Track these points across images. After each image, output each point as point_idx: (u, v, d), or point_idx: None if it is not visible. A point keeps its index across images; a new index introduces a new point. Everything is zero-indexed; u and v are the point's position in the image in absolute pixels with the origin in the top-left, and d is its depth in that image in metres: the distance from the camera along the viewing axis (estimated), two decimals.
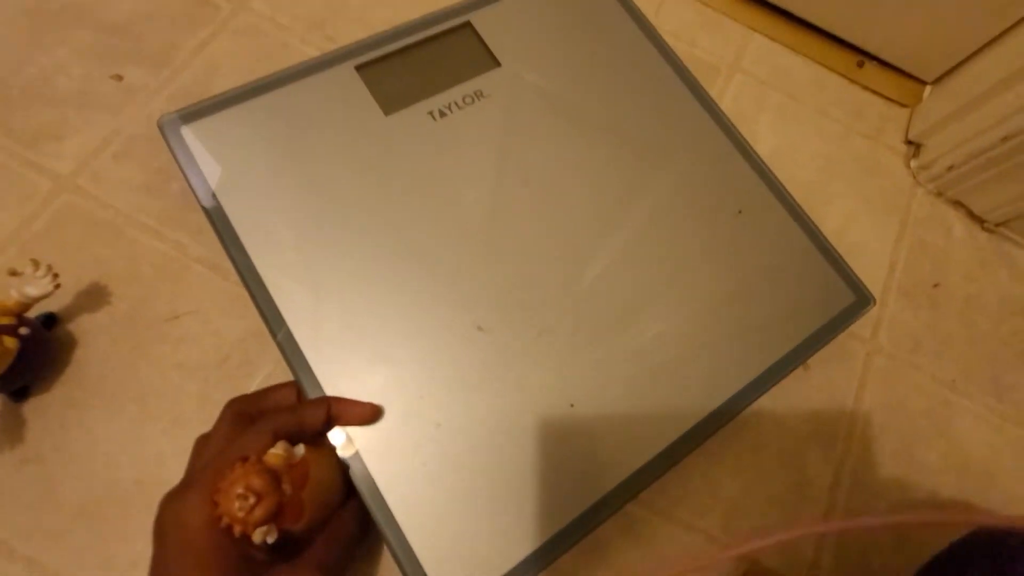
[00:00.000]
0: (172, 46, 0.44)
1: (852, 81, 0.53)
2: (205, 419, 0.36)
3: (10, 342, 0.31)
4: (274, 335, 0.32)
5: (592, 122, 0.42)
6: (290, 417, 0.28)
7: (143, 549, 0.33)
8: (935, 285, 0.48)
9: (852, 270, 0.41)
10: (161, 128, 0.35)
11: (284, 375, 0.37)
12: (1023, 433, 0.44)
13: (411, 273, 0.35)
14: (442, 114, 0.39)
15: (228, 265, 0.36)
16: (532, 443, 0.33)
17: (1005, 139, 0.43)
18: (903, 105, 0.53)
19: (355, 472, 0.30)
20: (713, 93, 0.49)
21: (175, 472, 0.35)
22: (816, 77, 0.53)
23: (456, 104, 0.40)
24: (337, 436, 0.30)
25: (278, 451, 0.26)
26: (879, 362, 0.45)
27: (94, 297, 0.37)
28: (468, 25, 0.42)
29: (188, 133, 0.35)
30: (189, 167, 0.34)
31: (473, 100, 0.40)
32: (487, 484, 0.32)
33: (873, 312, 0.46)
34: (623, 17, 0.46)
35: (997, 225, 0.49)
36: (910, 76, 0.53)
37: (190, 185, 0.34)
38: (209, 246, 0.39)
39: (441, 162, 0.38)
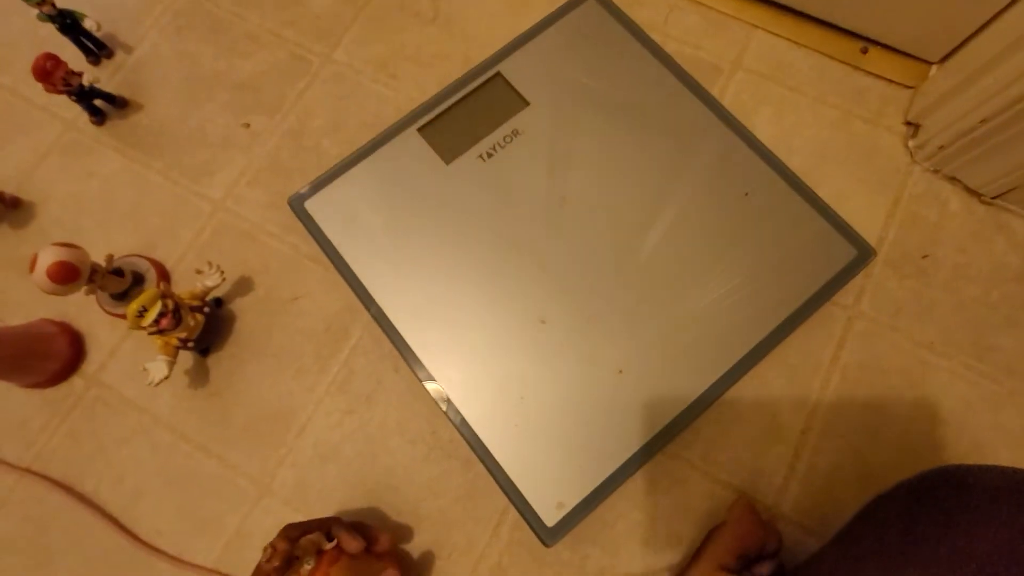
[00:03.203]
0: (281, 96, 0.59)
1: (855, 67, 0.57)
2: (319, 368, 0.51)
3: (200, 317, 0.48)
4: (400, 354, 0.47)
5: (613, 138, 0.51)
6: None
7: (285, 454, 0.49)
8: (924, 256, 0.52)
9: (853, 228, 0.49)
10: (290, 204, 0.51)
11: (372, 338, 0.52)
12: (998, 388, 0.48)
13: (485, 283, 0.47)
14: (489, 155, 0.51)
15: (327, 259, 0.50)
16: (593, 403, 0.45)
17: (984, 121, 0.47)
18: (908, 87, 0.56)
19: (467, 434, 0.44)
20: (715, 91, 0.56)
21: (299, 399, 0.51)
22: (818, 67, 0.57)
23: (499, 144, 0.51)
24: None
25: (312, 537, 0.37)
26: (859, 326, 0.51)
27: (243, 286, 0.54)
28: (499, 75, 0.53)
29: (310, 205, 0.50)
30: (313, 229, 0.50)
31: (512, 138, 0.51)
32: (562, 436, 0.44)
33: (856, 281, 0.51)
34: (627, 38, 0.54)
35: (994, 197, 0.52)
36: (916, 58, 0.56)
37: (315, 239, 0.49)
38: (315, 246, 0.54)
39: (494, 193, 0.50)
